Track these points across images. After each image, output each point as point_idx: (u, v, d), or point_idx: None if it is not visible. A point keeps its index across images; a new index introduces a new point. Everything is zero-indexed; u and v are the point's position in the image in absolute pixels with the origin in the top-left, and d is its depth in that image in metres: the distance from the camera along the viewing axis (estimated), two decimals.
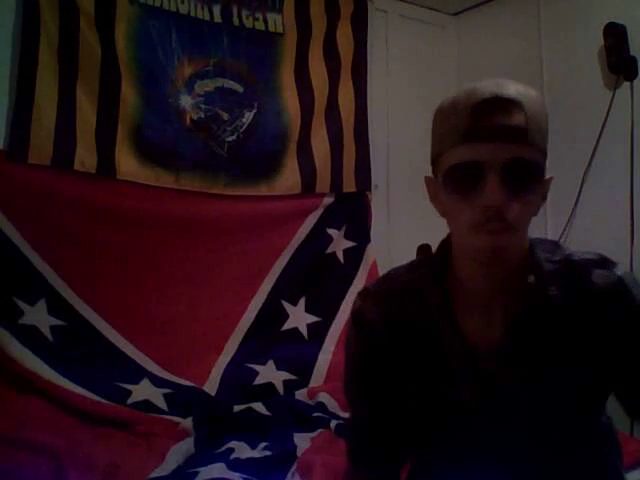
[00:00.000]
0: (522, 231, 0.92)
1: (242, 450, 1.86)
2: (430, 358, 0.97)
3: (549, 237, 2.79)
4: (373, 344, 1.01)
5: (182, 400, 2.16)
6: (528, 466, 0.94)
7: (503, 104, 0.86)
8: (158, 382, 2.21)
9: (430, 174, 0.98)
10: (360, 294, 1.06)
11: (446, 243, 1.00)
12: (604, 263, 0.96)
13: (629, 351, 0.93)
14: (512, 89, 0.87)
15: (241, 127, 2.65)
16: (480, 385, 0.94)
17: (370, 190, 2.93)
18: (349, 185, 2.87)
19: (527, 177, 0.88)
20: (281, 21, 2.75)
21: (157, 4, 2.47)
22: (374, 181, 2.96)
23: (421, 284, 0.99)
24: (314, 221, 2.76)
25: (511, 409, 0.93)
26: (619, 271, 0.95)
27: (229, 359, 2.43)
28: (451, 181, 0.90)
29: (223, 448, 1.87)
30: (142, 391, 2.14)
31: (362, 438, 1.07)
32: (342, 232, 2.82)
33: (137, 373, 2.20)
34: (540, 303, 0.93)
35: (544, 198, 0.97)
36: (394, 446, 1.05)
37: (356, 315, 1.04)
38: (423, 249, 2.41)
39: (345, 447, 1.11)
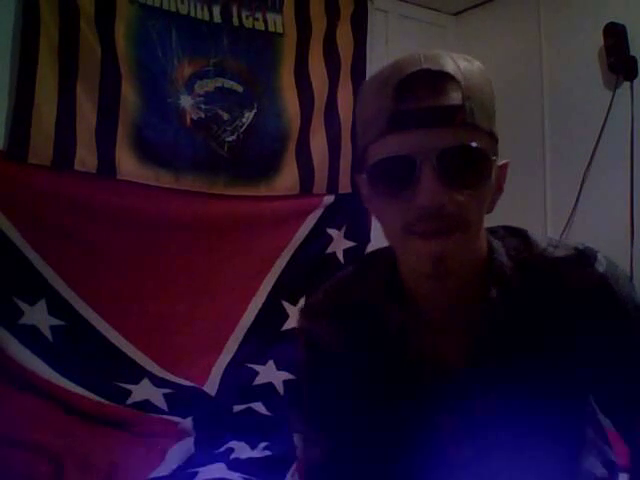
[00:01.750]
0: (473, 233, 0.76)
1: (242, 450, 1.86)
2: (395, 380, 0.85)
3: None
4: (329, 367, 0.88)
5: (182, 400, 2.16)
6: None
7: (433, 80, 0.71)
8: (158, 382, 2.21)
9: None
10: (305, 313, 0.93)
11: (392, 257, 0.85)
12: (582, 260, 0.83)
13: (612, 356, 0.82)
14: (445, 61, 0.73)
15: (241, 127, 2.65)
16: (452, 403, 0.83)
17: None
18: (345, 186, 2.87)
19: (471, 166, 0.72)
20: (281, 21, 2.75)
21: (157, 4, 2.47)
22: None
23: (375, 300, 0.85)
24: (314, 221, 2.76)
25: (484, 428, 0.83)
26: (600, 267, 0.82)
27: (229, 359, 2.43)
28: (378, 180, 0.75)
29: (223, 448, 1.87)
30: (142, 391, 2.14)
31: None
32: (342, 232, 2.82)
33: (137, 373, 2.20)
34: (504, 318, 0.80)
35: (500, 189, 0.81)
36: None
37: (308, 337, 0.90)
38: None
39: None
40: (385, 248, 0.88)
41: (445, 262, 0.73)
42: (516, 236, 0.86)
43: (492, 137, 0.76)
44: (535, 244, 0.85)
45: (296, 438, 0.94)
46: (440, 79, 0.71)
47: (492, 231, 0.86)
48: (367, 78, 0.74)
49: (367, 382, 0.86)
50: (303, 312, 0.93)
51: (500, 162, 0.80)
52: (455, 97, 0.71)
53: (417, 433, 0.84)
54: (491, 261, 0.81)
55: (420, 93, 0.71)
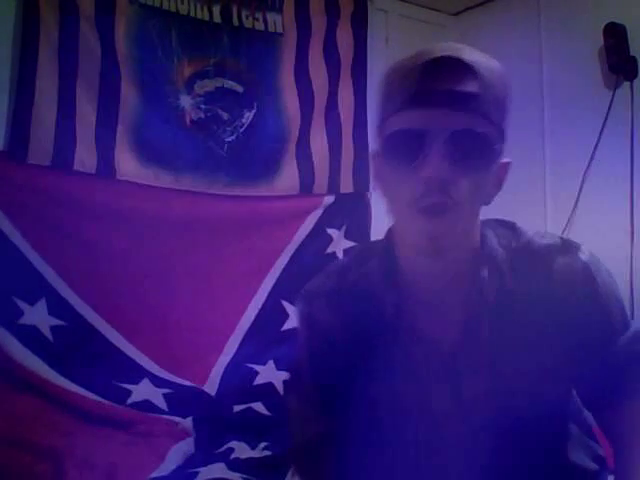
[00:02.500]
0: (469, 217, 0.81)
1: (242, 450, 1.86)
2: (390, 360, 0.89)
3: None
4: (328, 347, 0.92)
5: (182, 400, 2.16)
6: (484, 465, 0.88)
7: (456, 67, 0.76)
8: (158, 382, 2.21)
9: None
10: (304, 296, 0.96)
11: (392, 232, 0.91)
12: (566, 248, 0.88)
13: (590, 338, 0.87)
14: (468, 53, 0.78)
15: (241, 127, 2.65)
16: (446, 384, 0.87)
17: (368, 190, 2.93)
18: (346, 186, 2.87)
19: (477, 152, 0.77)
20: (281, 21, 2.75)
21: (157, 4, 2.47)
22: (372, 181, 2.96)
23: (372, 283, 0.89)
24: (314, 221, 2.76)
25: (476, 407, 0.87)
26: (583, 256, 0.88)
27: (229, 359, 2.43)
28: (391, 150, 0.80)
29: (223, 448, 1.87)
30: (142, 391, 2.14)
31: (319, 470, 0.94)
32: (342, 232, 2.82)
33: (137, 373, 2.20)
34: (495, 299, 0.84)
35: (499, 185, 0.85)
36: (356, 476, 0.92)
37: (307, 320, 0.95)
38: None
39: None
40: (383, 238, 0.92)
41: (441, 240, 0.78)
42: (505, 227, 0.92)
43: (500, 131, 0.81)
44: (523, 233, 0.90)
45: (288, 421, 0.96)
46: (462, 68, 0.76)
47: (483, 222, 0.90)
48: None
49: (363, 360, 0.89)
50: (302, 295, 0.97)
51: (504, 160, 0.85)
52: (473, 86, 0.76)
53: (409, 410, 0.88)
54: (483, 245, 0.86)
55: (442, 77, 0.75)
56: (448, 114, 0.76)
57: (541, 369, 0.86)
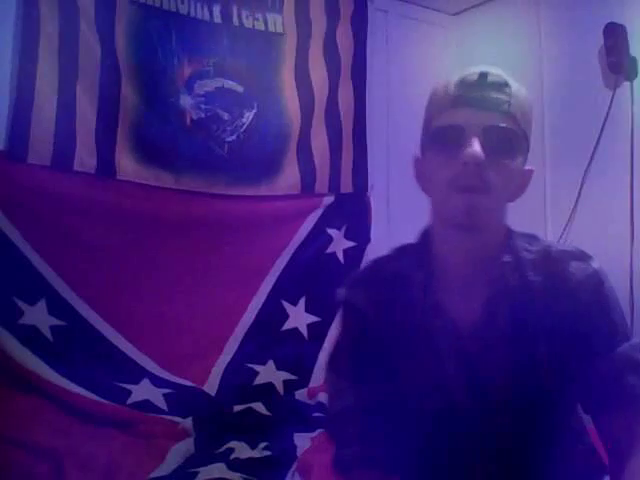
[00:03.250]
0: (498, 203, 0.94)
1: (242, 450, 1.86)
2: (415, 336, 1.00)
3: (549, 237, 2.79)
4: (362, 328, 1.04)
5: (182, 400, 2.16)
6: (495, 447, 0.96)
7: (491, 79, 0.93)
8: (158, 382, 2.21)
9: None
10: (346, 283, 1.10)
11: (427, 231, 1.05)
12: (581, 256, 1.00)
13: (593, 339, 0.96)
14: (502, 73, 0.94)
15: (241, 127, 2.65)
16: (463, 358, 0.97)
17: (368, 191, 2.94)
18: (346, 185, 2.88)
19: (507, 144, 0.92)
20: (281, 21, 2.75)
21: (157, 4, 2.47)
22: (372, 181, 2.96)
23: (406, 269, 1.03)
24: (314, 221, 2.76)
25: (488, 385, 0.96)
26: (595, 264, 1.00)
27: (229, 359, 2.43)
28: (435, 142, 0.96)
29: (223, 448, 1.87)
30: (142, 391, 2.14)
31: (352, 436, 1.02)
32: (342, 232, 2.82)
33: (137, 373, 2.20)
34: (515, 284, 0.96)
35: (522, 187, 0.99)
36: (387, 447, 1.01)
37: (345, 304, 1.07)
38: None
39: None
40: (419, 237, 1.07)
41: (475, 214, 0.91)
42: (528, 235, 1.05)
43: (525, 136, 0.96)
44: (543, 240, 1.04)
45: (327, 396, 1.09)
46: (496, 80, 0.93)
47: (510, 230, 1.03)
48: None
49: (392, 338, 1.01)
50: (346, 283, 1.10)
51: (527, 167, 0.99)
52: (504, 95, 0.93)
53: (429, 383, 0.98)
54: (509, 240, 1.00)
55: (479, 85, 0.93)
56: (483, 114, 0.92)
57: (549, 360, 0.95)
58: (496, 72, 0.94)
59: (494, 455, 0.96)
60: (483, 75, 0.93)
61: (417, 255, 1.03)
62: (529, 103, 0.97)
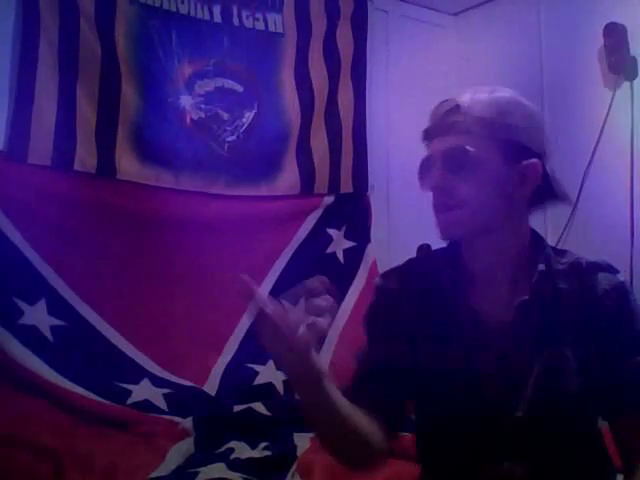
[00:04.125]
0: (482, 209, 1.00)
1: (242, 450, 1.85)
2: (445, 330, 1.03)
3: (549, 237, 2.79)
4: (393, 308, 1.08)
5: (182, 400, 2.16)
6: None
7: (444, 107, 1.03)
8: (158, 382, 2.21)
9: None
10: (382, 274, 1.17)
11: None
12: (609, 268, 1.06)
13: (616, 349, 1.00)
14: (467, 93, 1.03)
15: (241, 127, 2.65)
16: (490, 356, 1.00)
17: (368, 191, 2.93)
18: (346, 186, 2.88)
19: (467, 159, 0.99)
20: (281, 21, 2.75)
21: (157, 4, 2.47)
22: (372, 181, 2.96)
23: (439, 269, 1.09)
24: (314, 221, 2.76)
25: (517, 381, 0.98)
26: (621, 277, 1.05)
27: (229, 359, 2.43)
28: (419, 179, 1.07)
29: (223, 448, 1.87)
30: (142, 391, 2.14)
31: (367, 373, 1.07)
32: (342, 232, 2.82)
33: (137, 373, 2.20)
34: (548, 291, 1.01)
35: (523, 183, 1.02)
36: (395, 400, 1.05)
37: (377, 289, 1.13)
38: (423, 249, 2.41)
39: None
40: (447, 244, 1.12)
41: (452, 230, 1.02)
42: (559, 250, 1.10)
43: (495, 141, 1.00)
44: (573, 254, 1.09)
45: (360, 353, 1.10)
46: (448, 107, 1.02)
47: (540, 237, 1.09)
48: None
49: (421, 328, 1.06)
50: (381, 274, 1.17)
51: (524, 162, 1.02)
52: (456, 115, 1.01)
53: (457, 379, 1.01)
54: (540, 249, 1.05)
55: (440, 115, 1.03)
56: (443, 140, 1.02)
57: (573, 365, 0.99)
58: (459, 95, 1.02)
59: (510, 454, 0.98)
60: (439, 105, 1.04)
61: (448, 258, 1.09)
62: (495, 110, 1.01)
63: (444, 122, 1.02)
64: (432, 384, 1.03)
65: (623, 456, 1.01)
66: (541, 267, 1.02)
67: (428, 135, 1.05)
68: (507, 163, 1.01)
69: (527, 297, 1.00)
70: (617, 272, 1.06)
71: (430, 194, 1.04)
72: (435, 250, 1.16)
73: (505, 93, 1.07)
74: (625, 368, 1.00)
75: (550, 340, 1.00)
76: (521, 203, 1.04)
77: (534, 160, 1.02)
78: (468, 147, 0.99)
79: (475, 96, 1.03)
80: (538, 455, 0.97)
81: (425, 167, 1.05)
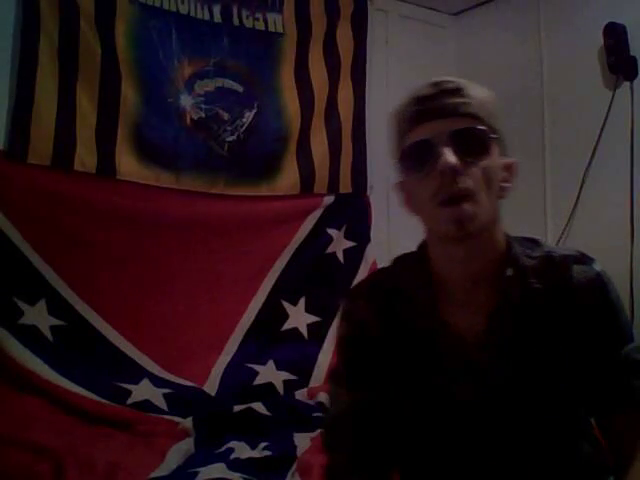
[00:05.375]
0: (486, 205, 0.92)
1: (242, 450, 1.86)
2: (420, 352, 0.98)
3: (549, 237, 2.79)
4: (365, 341, 1.02)
5: (182, 400, 2.16)
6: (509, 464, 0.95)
7: (444, 87, 0.93)
8: (158, 382, 2.21)
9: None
10: (348, 295, 1.09)
11: (425, 244, 1.04)
12: (583, 259, 0.99)
13: (599, 344, 0.96)
14: (453, 79, 0.95)
15: (241, 127, 2.65)
16: (470, 376, 0.95)
17: (367, 191, 2.93)
18: (346, 186, 2.88)
19: (477, 144, 0.92)
20: (281, 21, 2.75)
21: (157, 4, 2.47)
22: (371, 181, 2.96)
23: (407, 283, 1.02)
24: (314, 221, 2.76)
25: (496, 398, 0.94)
26: (597, 267, 0.99)
27: (229, 359, 2.43)
28: (407, 163, 0.96)
29: (223, 448, 1.87)
30: (142, 391, 2.14)
31: (344, 441, 1.01)
32: (342, 232, 2.82)
33: (137, 373, 2.20)
34: (519, 295, 0.95)
35: (508, 181, 0.97)
36: (378, 454, 1.01)
37: (347, 315, 1.06)
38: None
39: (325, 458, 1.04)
40: (417, 249, 1.05)
41: (465, 224, 0.90)
42: (529, 240, 1.04)
43: (492, 129, 0.94)
44: (544, 245, 1.03)
45: (327, 400, 1.08)
46: (449, 87, 0.94)
47: (510, 236, 1.02)
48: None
49: (395, 351, 1.00)
50: (346, 295, 1.10)
51: (508, 160, 0.98)
52: (460, 97, 0.93)
53: (434, 398, 0.97)
54: (509, 249, 0.98)
55: (434, 97, 0.93)
56: (446, 121, 0.92)
57: (557, 366, 0.95)
58: (448, 79, 0.95)
59: (500, 465, 0.95)
60: (435, 85, 0.94)
61: (417, 268, 1.02)
62: (490, 100, 0.97)
63: (446, 103, 0.92)
64: (409, 405, 0.99)
65: (614, 456, 0.97)
66: (509, 272, 0.96)
67: (421, 117, 0.93)
68: (501, 155, 0.96)
69: (497, 305, 0.95)
70: (592, 261, 0.99)
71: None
72: (403, 257, 1.08)
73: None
74: (609, 365, 0.95)
75: (528, 346, 0.94)
76: (502, 199, 0.97)
77: (514, 160, 0.99)
78: (479, 127, 0.92)
79: (469, 82, 0.96)
80: (521, 461, 0.94)
81: (422, 149, 0.92)
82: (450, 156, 0.89)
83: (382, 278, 1.08)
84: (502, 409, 0.94)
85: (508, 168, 0.98)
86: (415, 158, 0.94)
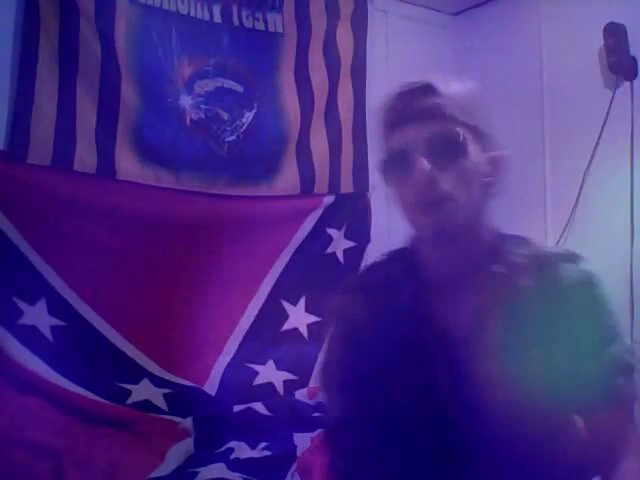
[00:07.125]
0: (466, 207, 0.93)
1: (242, 450, 1.86)
2: (406, 346, 0.99)
3: (549, 237, 2.79)
4: (352, 337, 1.04)
5: (182, 400, 2.16)
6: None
7: (417, 90, 0.93)
8: (158, 382, 2.21)
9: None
10: (336, 293, 1.11)
11: (412, 236, 1.05)
12: (572, 257, 1.00)
13: (585, 342, 0.96)
14: (427, 79, 0.94)
15: (241, 127, 2.65)
16: (454, 371, 0.95)
17: (368, 191, 2.93)
18: (347, 186, 2.87)
19: (452, 146, 0.92)
20: (281, 21, 2.75)
21: (157, 4, 2.47)
22: (372, 181, 2.95)
23: (396, 277, 1.03)
24: (314, 221, 2.76)
25: (480, 392, 0.93)
26: (585, 265, 1.00)
27: (229, 359, 2.43)
28: (386, 173, 0.98)
29: (223, 448, 1.87)
30: (142, 391, 2.15)
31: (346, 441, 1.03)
32: (342, 232, 2.82)
33: (137, 373, 2.21)
34: (506, 292, 0.95)
35: (494, 176, 0.97)
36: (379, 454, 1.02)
37: (337, 312, 1.08)
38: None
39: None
40: (407, 244, 1.06)
41: (444, 229, 0.92)
42: (519, 239, 1.04)
43: (472, 128, 0.94)
44: (534, 244, 1.03)
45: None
46: (418, 87, 0.93)
47: (500, 234, 1.03)
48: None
49: (383, 346, 1.01)
50: (338, 289, 1.11)
51: (492, 154, 0.97)
52: (432, 97, 0.92)
53: (419, 392, 0.97)
54: (498, 248, 0.99)
55: (407, 100, 0.93)
56: (418, 126, 0.92)
57: (543, 364, 0.94)
58: (421, 80, 0.94)
59: (487, 463, 0.94)
60: (408, 88, 0.94)
61: (407, 262, 1.03)
62: (466, 94, 0.96)
63: (418, 105, 0.92)
64: (397, 403, 0.98)
65: (600, 455, 0.96)
66: (497, 268, 0.96)
67: (395, 122, 0.94)
68: (482, 151, 0.96)
69: (484, 301, 0.95)
70: (581, 260, 1.00)
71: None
72: (395, 251, 1.10)
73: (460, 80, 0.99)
74: (595, 364, 0.95)
75: (514, 343, 0.94)
76: (491, 196, 0.98)
77: (500, 153, 0.98)
78: (459, 131, 0.91)
79: (443, 79, 0.95)
80: (507, 461, 0.93)
81: (399, 158, 0.93)
82: (424, 165, 0.90)
83: (372, 272, 1.11)
84: (486, 406, 0.93)
85: (492, 162, 0.97)
86: (392, 167, 0.96)
